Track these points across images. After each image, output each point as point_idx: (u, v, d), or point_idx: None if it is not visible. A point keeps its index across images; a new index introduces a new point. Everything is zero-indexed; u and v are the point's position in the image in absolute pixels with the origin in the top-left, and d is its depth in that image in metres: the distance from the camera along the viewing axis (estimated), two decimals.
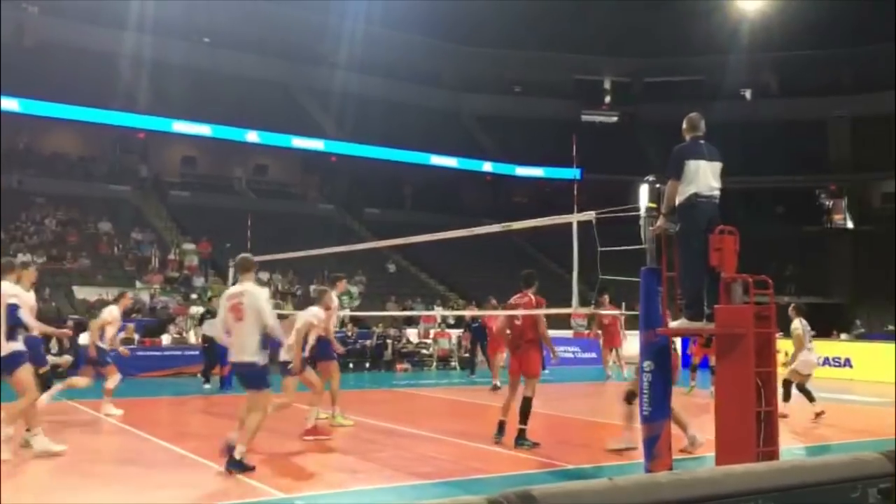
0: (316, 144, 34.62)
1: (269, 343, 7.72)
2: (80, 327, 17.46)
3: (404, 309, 25.69)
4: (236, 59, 35.26)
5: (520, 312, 9.00)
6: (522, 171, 38.98)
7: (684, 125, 7.02)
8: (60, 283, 22.71)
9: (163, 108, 31.58)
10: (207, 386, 14.73)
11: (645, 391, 6.90)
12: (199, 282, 25.23)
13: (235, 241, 22.41)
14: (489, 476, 7.36)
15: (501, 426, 8.93)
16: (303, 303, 24.30)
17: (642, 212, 7.21)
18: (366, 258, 27.99)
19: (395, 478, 7.31)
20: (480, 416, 12.43)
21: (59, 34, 31.93)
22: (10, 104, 28.27)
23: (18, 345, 7.65)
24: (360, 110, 35.30)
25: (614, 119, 43.55)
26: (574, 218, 7.82)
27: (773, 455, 5.95)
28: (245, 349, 7.29)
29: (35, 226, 26.25)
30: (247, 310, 7.29)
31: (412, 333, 22.21)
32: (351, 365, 19.71)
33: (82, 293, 22.38)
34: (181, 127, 31.90)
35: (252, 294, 7.38)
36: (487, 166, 38.51)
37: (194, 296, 23.72)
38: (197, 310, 20.37)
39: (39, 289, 21.07)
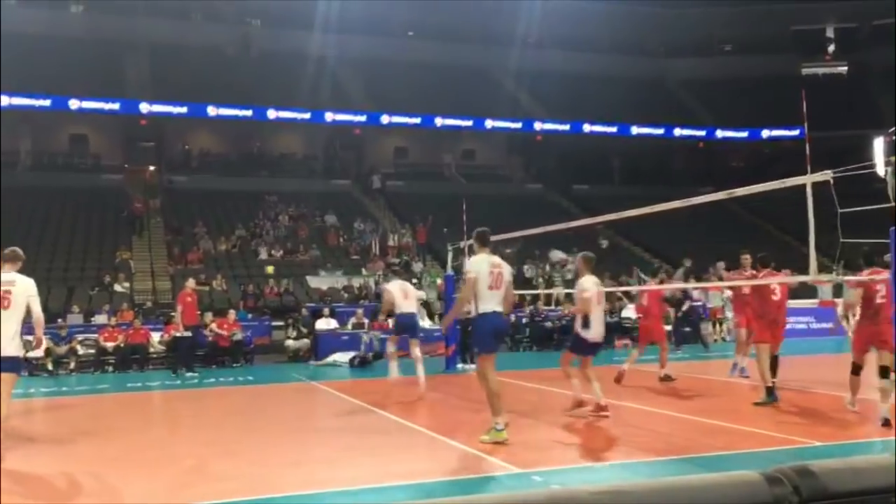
0: (520, 125, 34.88)
1: None
2: (316, 315, 18.87)
3: (619, 284, 25.25)
4: (436, 49, 36.26)
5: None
6: (737, 134, 36.91)
7: None
8: (296, 274, 24.59)
9: (373, 103, 33.19)
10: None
11: None
12: (417, 267, 26.32)
13: (450, 225, 23.14)
14: (728, 453, 7.10)
15: (770, 390, 9.55)
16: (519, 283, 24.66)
17: (880, 168, 6.61)
18: (577, 235, 27.78)
19: (630, 454, 7.26)
20: (705, 392, 12.01)
21: (278, 43, 34.49)
22: (245, 112, 31.20)
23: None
24: (562, 87, 35.05)
25: (842, 69, 39.96)
26: (808, 179, 7.31)
27: None
28: None
29: (270, 222, 28.59)
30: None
31: (630, 309, 21.77)
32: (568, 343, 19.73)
33: (315, 282, 24.12)
34: (392, 120, 33.46)
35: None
36: (699, 132, 36.85)
37: (414, 280, 24.79)
38: (419, 294, 21.25)
39: (277, 279, 23.09)
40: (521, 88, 36.79)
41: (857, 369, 8.46)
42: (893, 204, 6.54)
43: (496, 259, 7.81)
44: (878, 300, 7.99)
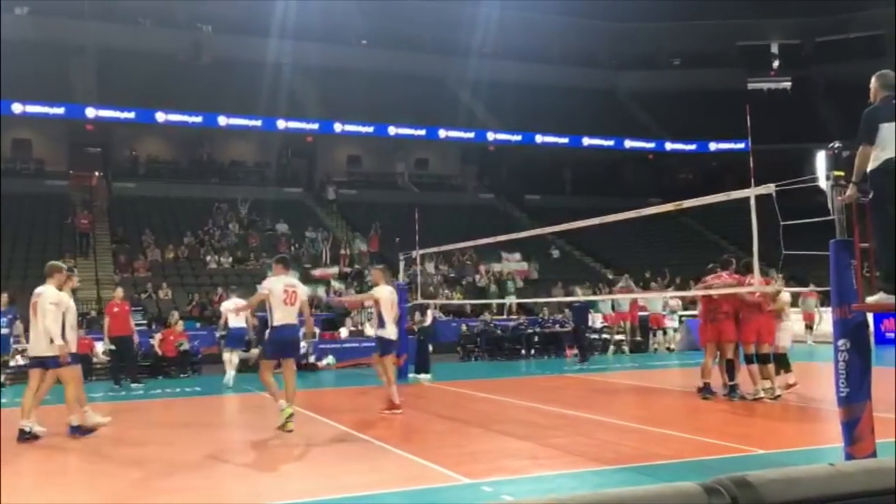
0: (473, 135, 35.05)
1: None
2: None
3: (567, 294, 25.51)
4: (391, 58, 36.23)
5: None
6: (685, 146, 37.62)
7: (874, 84, 6.48)
8: (247, 283, 24.25)
9: (327, 111, 33.03)
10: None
11: (841, 372, 6.48)
12: (369, 276, 26.18)
13: (403, 234, 23.09)
14: (673, 462, 7.18)
15: (707, 386, 10.84)
16: (471, 293, 24.76)
17: (822, 182, 6.76)
18: (529, 245, 28.01)
19: (577, 463, 7.29)
20: (657, 401, 12.16)
21: (230, 50, 34.10)
22: (195, 119, 30.73)
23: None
24: (516, 98, 35.34)
25: (786, 84, 41.04)
26: (752, 192, 7.45)
27: None
28: None
29: (220, 230, 28.20)
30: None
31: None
32: (522, 351, 19.86)
33: None
34: (345, 128, 33.32)
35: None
36: (649, 144, 37.46)
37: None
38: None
39: (227, 288, 22.79)
40: (475, 98, 36.98)
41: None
42: (833, 217, 6.69)
43: (291, 280, 9.67)
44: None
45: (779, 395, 10.69)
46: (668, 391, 12.98)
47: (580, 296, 18.72)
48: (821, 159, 7.05)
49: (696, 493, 1.79)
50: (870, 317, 17.91)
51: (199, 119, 30.97)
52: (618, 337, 20.73)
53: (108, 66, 31.89)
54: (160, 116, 30.60)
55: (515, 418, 10.12)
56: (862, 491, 1.86)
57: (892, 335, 20.83)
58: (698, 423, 9.58)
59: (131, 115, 30.29)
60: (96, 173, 32.67)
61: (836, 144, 6.92)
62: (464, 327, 21.03)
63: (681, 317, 21.30)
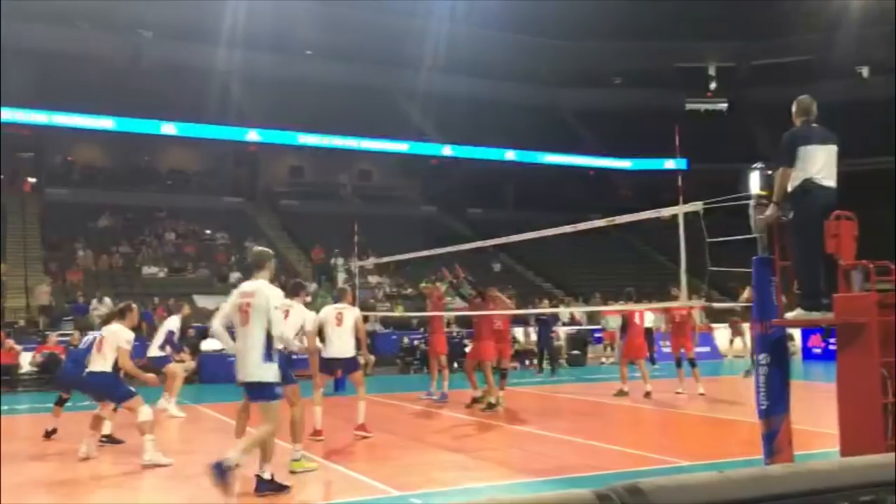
0: (416, 148, 35.14)
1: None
2: (203, 334, 18.34)
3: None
4: (336, 69, 36.11)
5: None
6: (626, 164, 38.32)
7: (794, 109, 6.75)
8: (183, 293, 23.84)
9: (270, 120, 32.72)
10: None
11: (762, 385, 6.67)
12: (311, 287, 25.98)
13: (343, 245, 22.99)
14: (601, 473, 7.29)
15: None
16: (411, 305, 24.74)
17: (752, 201, 6.98)
18: (471, 258, 28.11)
19: (507, 475, 7.35)
20: (591, 413, 12.33)
21: (172, 56, 33.57)
22: (132, 125, 30.06)
23: None
24: (460, 111, 35.56)
25: (722, 106, 42.19)
26: (680, 209, 7.64)
27: None
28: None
29: (157, 239, 27.68)
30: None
31: (518, 332, 22.16)
32: (456, 364, 19.87)
33: (202, 301, 23.43)
34: (287, 138, 33.07)
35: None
36: (589, 161, 38.04)
37: (307, 299, 24.46)
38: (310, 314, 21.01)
39: (163, 297, 22.38)
40: (418, 111, 37.08)
41: None
42: (755, 235, 6.90)
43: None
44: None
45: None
46: (603, 403, 13.16)
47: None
48: (753, 178, 7.30)
49: (588, 500, 1.84)
50: (797, 333, 18.47)
51: (137, 125, 30.30)
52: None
53: (43, 69, 31.07)
54: (97, 122, 29.90)
55: (451, 431, 10.14)
56: (750, 497, 1.94)
57: (820, 351, 21.49)
58: (632, 436, 9.74)
59: (66, 119, 29.50)
60: (29, 179, 31.77)
61: (760, 164, 7.17)
62: (404, 340, 20.99)
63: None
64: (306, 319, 8.39)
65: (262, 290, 6.52)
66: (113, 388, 8.50)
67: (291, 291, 8.67)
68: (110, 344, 8.42)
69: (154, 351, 12.14)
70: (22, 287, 23.41)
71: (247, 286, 6.70)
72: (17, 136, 29.84)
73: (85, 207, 28.85)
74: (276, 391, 6.48)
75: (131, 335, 8.62)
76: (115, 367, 8.41)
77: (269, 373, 6.39)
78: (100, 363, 8.42)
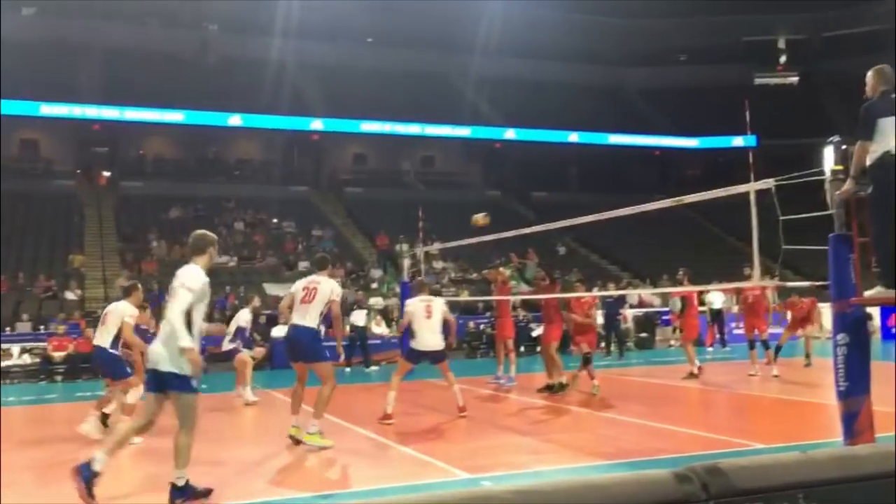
0: (478, 132, 35.06)
1: None
2: (273, 321, 18.70)
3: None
4: (396, 56, 36.27)
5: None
6: (692, 142, 37.50)
7: (871, 79, 6.48)
8: (253, 281, 24.36)
9: (333, 109, 33.07)
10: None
11: (840, 366, 6.48)
12: (376, 274, 26.25)
13: (408, 231, 23.11)
14: (675, 456, 7.20)
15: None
16: (475, 290, 24.79)
17: (827, 176, 6.75)
18: (535, 242, 27.91)
19: (578, 458, 7.32)
20: (660, 396, 12.17)
21: (236, 49, 34.19)
22: (200, 118, 30.79)
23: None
24: (521, 94, 35.33)
25: (793, 80, 40.87)
26: (752, 187, 7.45)
27: None
28: None
29: (226, 229, 28.29)
30: None
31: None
32: (522, 348, 19.82)
33: (272, 289, 23.89)
34: (350, 126, 33.40)
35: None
36: (655, 141, 37.36)
37: (374, 285, 24.73)
38: (376, 300, 21.24)
39: (234, 287, 22.91)
40: (480, 95, 36.94)
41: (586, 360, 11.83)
42: (832, 211, 6.68)
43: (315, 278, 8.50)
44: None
45: None
46: (673, 386, 12.98)
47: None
48: (828, 153, 7.04)
49: (667, 480, 1.83)
50: (876, 312, 17.86)
51: (205, 118, 31.05)
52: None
53: (115, 66, 32.02)
54: (167, 115, 30.71)
55: (520, 415, 10.15)
56: (832, 478, 1.89)
57: None
58: (702, 418, 9.60)
59: (138, 114, 30.38)
60: (104, 173, 32.84)
61: (836, 138, 6.91)
62: (470, 324, 21.05)
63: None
64: (333, 290, 8.37)
65: (179, 273, 6.51)
66: (111, 364, 9.03)
67: (318, 264, 8.93)
68: (114, 317, 8.93)
69: (226, 345, 12.63)
70: (100, 278, 24.23)
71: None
72: (90, 131, 30.89)
73: (157, 199, 29.69)
74: (191, 384, 5.97)
75: (135, 311, 9.08)
76: (115, 343, 8.88)
77: (185, 364, 5.90)
78: (103, 337, 8.95)
